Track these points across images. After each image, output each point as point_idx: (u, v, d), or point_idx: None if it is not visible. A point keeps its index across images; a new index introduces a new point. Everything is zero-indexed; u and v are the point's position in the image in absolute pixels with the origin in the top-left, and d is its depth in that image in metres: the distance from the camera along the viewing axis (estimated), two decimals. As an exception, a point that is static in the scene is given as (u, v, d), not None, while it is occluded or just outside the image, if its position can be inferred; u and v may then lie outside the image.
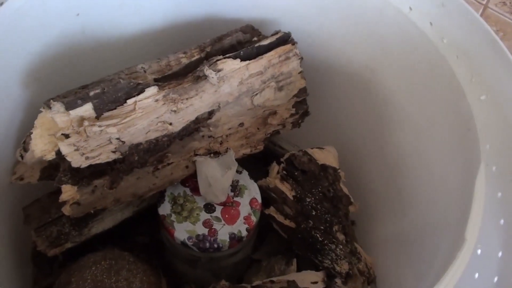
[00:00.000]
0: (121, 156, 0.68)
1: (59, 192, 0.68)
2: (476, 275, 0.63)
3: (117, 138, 0.66)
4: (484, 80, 0.69)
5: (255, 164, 0.84)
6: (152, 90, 0.67)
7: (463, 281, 0.58)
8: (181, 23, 0.85)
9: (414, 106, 0.77)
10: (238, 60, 0.72)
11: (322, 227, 0.77)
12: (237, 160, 0.77)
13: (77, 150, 0.65)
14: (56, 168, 0.71)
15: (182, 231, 0.73)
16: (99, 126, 0.65)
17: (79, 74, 0.73)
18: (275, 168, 0.81)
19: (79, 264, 0.74)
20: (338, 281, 0.75)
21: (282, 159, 0.81)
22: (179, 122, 0.70)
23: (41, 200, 0.77)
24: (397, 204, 0.82)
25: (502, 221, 0.62)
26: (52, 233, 0.75)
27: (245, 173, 0.80)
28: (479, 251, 0.65)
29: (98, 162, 0.67)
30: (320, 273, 0.74)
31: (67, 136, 0.65)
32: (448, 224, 0.66)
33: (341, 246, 0.77)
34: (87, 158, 0.66)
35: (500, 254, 0.61)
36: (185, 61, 0.74)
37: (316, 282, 0.72)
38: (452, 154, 0.69)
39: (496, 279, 0.58)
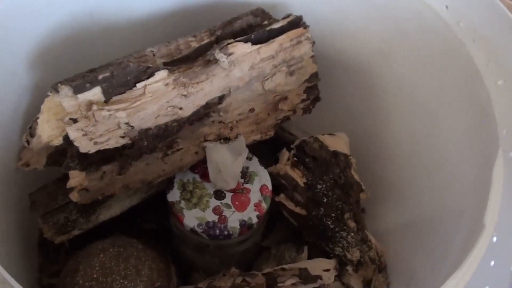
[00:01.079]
0: (130, 142, 0.66)
1: (66, 178, 0.67)
2: (492, 262, 0.62)
3: (126, 123, 0.65)
4: (501, 65, 0.68)
5: (265, 150, 0.82)
6: (162, 74, 0.66)
7: (479, 269, 0.57)
8: (191, 6, 0.83)
9: (428, 91, 0.76)
10: (249, 43, 0.71)
11: (334, 215, 0.76)
12: (247, 146, 0.75)
13: (85, 135, 0.64)
14: (63, 154, 0.70)
15: (191, 218, 0.72)
16: (108, 110, 0.64)
17: (87, 58, 0.72)
18: (285, 154, 0.80)
19: (87, 251, 0.72)
20: (349, 268, 0.75)
21: (292, 146, 0.80)
22: (189, 107, 0.69)
23: (48, 186, 0.76)
24: (409, 192, 0.81)
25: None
26: (59, 220, 0.74)
27: (255, 159, 0.79)
28: (494, 239, 0.63)
29: (106, 147, 0.65)
30: (332, 260, 0.73)
31: (75, 120, 0.64)
32: (464, 211, 0.65)
33: (352, 234, 0.76)
34: (95, 143, 0.65)
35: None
36: (195, 44, 0.72)
37: (328, 270, 0.71)
38: (468, 140, 0.68)
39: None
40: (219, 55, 0.69)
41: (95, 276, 0.70)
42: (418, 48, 0.76)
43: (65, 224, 0.73)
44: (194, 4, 0.83)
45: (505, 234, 0.59)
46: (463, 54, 0.70)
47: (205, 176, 0.75)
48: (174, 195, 0.74)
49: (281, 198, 0.78)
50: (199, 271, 0.80)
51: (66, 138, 0.65)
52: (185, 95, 0.67)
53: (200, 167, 0.75)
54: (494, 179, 0.59)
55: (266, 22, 0.77)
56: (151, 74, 0.66)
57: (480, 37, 0.70)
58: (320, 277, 0.69)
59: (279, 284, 0.68)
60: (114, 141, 0.66)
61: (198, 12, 0.83)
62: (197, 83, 0.68)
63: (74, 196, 0.67)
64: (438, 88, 0.74)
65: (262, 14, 0.79)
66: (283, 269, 0.70)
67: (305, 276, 0.69)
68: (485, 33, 0.70)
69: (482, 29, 0.70)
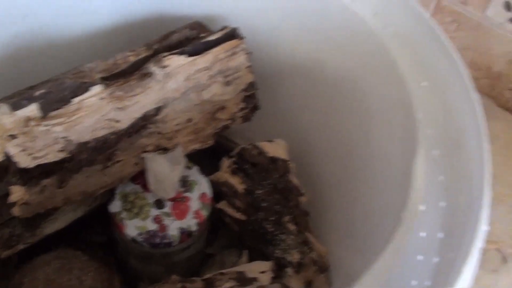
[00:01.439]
0: (69, 155, 0.68)
1: (9, 194, 0.68)
2: (419, 257, 0.65)
3: (64, 137, 0.67)
4: (426, 68, 0.71)
5: (208, 159, 0.85)
6: (97, 89, 0.68)
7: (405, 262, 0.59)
8: (129, 22, 0.85)
9: (360, 93, 0.79)
10: (184, 56, 0.73)
11: (273, 218, 0.78)
12: (187, 155, 0.77)
13: (24, 150, 0.65)
14: (6, 170, 0.71)
15: (132, 228, 0.74)
16: (45, 125, 0.66)
17: (27, 76, 0.73)
18: (225, 162, 0.82)
19: (31, 265, 0.74)
20: (290, 270, 0.77)
21: (232, 153, 0.82)
22: (126, 119, 0.71)
23: (-8, 202, 0.78)
24: (348, 192, 0.83)
25: (443, 204, 0.64)
26: (4, 235, 0.75)
27: (195, 168, 0.81)
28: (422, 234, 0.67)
29: (45, 161, 0.67)
30: (269, 262, 0.75)
31: (13, 136, 0.65)
32: (390, 208, 0.68)
33: (292, 236, 0.79)
34: (34, 158, 0.66)
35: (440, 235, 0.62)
36: (132, 59, 0.74)
37: (264, 272, 0.73)
38: (394, 139, 0.71)
39: (437, 259, 0.59)
40: (153, 68, 0.71)
41: (39, 288, 0.71)
42: (348, 54, 0.79)
43: (10, 239, 0.75)
44: (133, 19, 0.85)
45: (430, 229, 0.62)
46: (390, 58, 0.73)
47: (146, 187, 0.77)
48: (115, 206, 0.76)
49: (222, 204, 0.80)
50: (144, 281, 0.82)
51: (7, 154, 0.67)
52: (121, 108, 0.69)
53: (141, 178, 0.77)
54: (414, 176, 0.62)
55: (202, 35, 0.79)
56: (87, 89, 0.68)
57: (406, 43, 0.73)
58: (256, 279, 0.71)
59: (217, 288, 0.70)
60: (52, 156, 0.67)
61: (137, 27, 0.85)
62: (133, 96, 0.70)
63: (16, 211, 0.69)
64: (368, 90, 0.77)
65: (199, 27, 0.81)
66: (222, 274, 0.72)
67: (241, 278, 0.71)
68: (410, 39, 0.73)
69: (408, 35, 0.73)
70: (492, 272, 1.03)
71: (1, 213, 0.76)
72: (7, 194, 0.73)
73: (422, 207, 0.62)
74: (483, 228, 0.58)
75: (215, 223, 0.84)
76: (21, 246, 0.75)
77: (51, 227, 0.76)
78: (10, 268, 0.82)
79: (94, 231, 0.88)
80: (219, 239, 0.88)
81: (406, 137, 0.68)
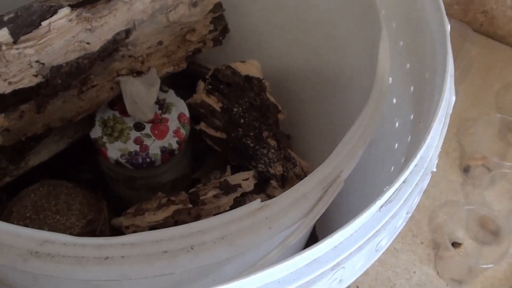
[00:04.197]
0: (43, 80, 0.70)
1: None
2: (396, 145, 0.67)
3: (37, 61, 0.68)
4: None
5: (185, 88, 0.86)
6: (65, 11, 0.69)
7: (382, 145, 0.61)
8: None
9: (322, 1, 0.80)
10: (149, -24, 0.74)
11: (252, 133, 0.80)
12: (161, 79, 0.79)
13: (-1, 76, 0.67)
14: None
15: (114, 150, 0.75)
16: (17, 49, 0.67)
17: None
18: (201, 85, 0.83)
19: (19, 195, 0.75)
20: (274, 183, 0.78)
21: (207, 76, 0.84)
22: (96, 42, 0.72)
23: (-25, 139, 0.79)
24: (322, 105, 0.85)
25: (412, 88, 0.66)
26: (-11, 169, 0.76)
27: (171, 91, 0.82)
28: (397, 124, 0.68)
29: (21, 87, 0.68)
30: (251, 171, 0.77)
31: (-14, 63, 0.67)
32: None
33: (273, 151, 0.80)
34: (9, 83, 0.68)
35: (411, 117, 0.64)
36: (97, -14, 0.76)
37: (247, 179, 0.74)
38: (359, 33, 0.72)
39: (412, 116, 0.61)
40: (118, -11, 0.72)
41: (27, 214, 0.73)
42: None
43: (-4, 173, 0.76)
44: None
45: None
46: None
47: (124, 112, 0.78)
48: (96, 132, 0.77)
49: (201, 126, 0.82)
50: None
51: (-18, 83, 0.68)
52: (89, 29, 0.71)
53: (119, 104, 0.79)
54: (380, 60, 0.63)
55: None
56: (55, 12, 0.69)
57: None
58: (239, 185, 0.73)
59: (202, 197, 0.72)
60: (27, 80, 0.69)
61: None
62: (100, 17, 0.71)
63: (-3, 139, 0.70)
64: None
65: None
66: (205, 185, 0.74)
67: (225, 186, 0.73)
68: None
69: None
70: (480, 187, 1.05)
71: (-16, 149, 0.77)
72: (-12, 131, 0.75)
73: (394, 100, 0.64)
74: (451, 98, 0.60)
75: (200, 150, 0.86)
76: (7, 179, 0.77)
77: (34, 159, 0.78)
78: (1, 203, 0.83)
79: (80, 169, 0.89)
80: (204, 166, 0.89)
81: (370, 32, 0.69)
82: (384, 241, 0.53)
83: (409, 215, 0.55)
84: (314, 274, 0.47)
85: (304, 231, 0.53)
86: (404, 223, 0.56)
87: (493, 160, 1.08)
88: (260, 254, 0.53)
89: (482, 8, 1.25)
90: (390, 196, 0.51)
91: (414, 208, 0.56)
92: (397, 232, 0.55)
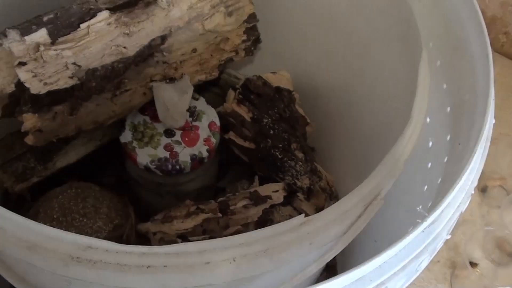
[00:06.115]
0: (78, 82, 0.69)
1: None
2: (429, 164, 0.67)
3: (73, 63, 0.68)
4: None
5: (214, 96, 0.86)
6: (104, 14, 0.69)
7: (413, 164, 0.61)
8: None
9: (358, 16, 0.80)
10: (186, -16, 0.74)
11: (281, 145, 0.80)
12: (193, 86, 0.79)
13: (35, 76, 0.67)
14: (17, 104, 0.73)
15: (144, 156, 0.75)
16: (55, 50, 0.67)
17: (34, 9, 0.74)
18: (231, 94, 0.83)
19: (46, 196, 0.75)
20: (300, 195, 0.78)
21: (237, 85, 0.84)
22: (133, 46, 0.72)
23: (4, 139, 0.79)
24: (351, 119, 0.85)
25: (448, 109, 0.65)
26: (18, 169, 0.76)
27: (202, 99, 0.82)
28: (430, 144, 0.68)
29: (56, 88, 0.68)
30: (280, 183, 0.76)
31: (24, 63, 0.66)
32: (397, 121, 0.69)
33: (300, 163, 0.80)
34: (45, 84, 0.67)
35: (448, 137, 0.64)
36: (135, -9, 0.76)
37: (277, 191, 0.74)
38: (397, 51, 0.72)
39: (448, 137, 0.61)
40: (157, -5, 0.72)
41: (55, 216, 0.72)
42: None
43: (24, 172, 0.76)
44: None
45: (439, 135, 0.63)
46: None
47: (155, 118, 0.78)
48: (126, 137, 0.77)
49: (230, 135, 0.82)
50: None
51: (18, 84, 0.68)
52: (127, 34, 0.71)
53: (150, 109, 0.79)
54: (420, 82, 0.63)
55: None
56: (94, 15, 0.69)
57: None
58: (269, 197, 0.73)
59: (231, 207, 0.72)
60: (63, 82, 0.69)
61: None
62: (138, 22, 0.71)
63: (29, 139, 0.70)
64: (366, 11, 0.78)
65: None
66: (235, 195, 0.74)
67: (255, 197, 0.73)
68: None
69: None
70: (497, 208, 1.05)
71: (14, 148, 0.77)
72: (19, 131, 0.75)
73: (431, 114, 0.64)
74: (492, 120, 0.59)
75: (225, 159, 0.86)
76: (34, 179, 0.77)
77: (62, 161, 0.78)
78: (24, 208, 0.83)
79: (104, 173, 0.89)
80: (230, 174, 0.89)
81: (409, 47, 0.69)
82: (425, 262, 0.52)
83: (449, 237, 0.55)
84: (358, 292, 0.47)
85: (342, 247, 0.53)
86: (442, 244, 0.55)
87: (511, 182, 1.08)
88: (297, 268, 0.52)
89: (504, 29, 1.25)
90: (434, 218, 0.51)
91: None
92: (436, 252, 0.55)
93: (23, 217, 0.47)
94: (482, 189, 1.12)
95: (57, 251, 0.47)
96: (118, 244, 0.48)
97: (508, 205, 1.07)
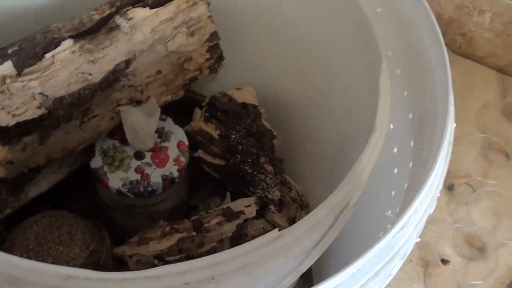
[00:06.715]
0: (46, 111, 0.70)
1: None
2: (395, 170, 0.68)
3: (40, 93, 0.69)
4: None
5: (180, 115, 0.87)
6: (68, 43, 0.70)
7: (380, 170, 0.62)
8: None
9: (318, 30, 0.81)
10: (147, 8, 0.75)
11: (250, 160, 0.81)
12: (160, 107, 0.80)
13: (3, 108, 0.67)
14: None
15: (116, 180, 0.76)
16: (21, 81, 0.67)
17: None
18: (198, 112, 0.84)
19: (21, 227, 0.75)
20: (272, 207, 0.79)
21: (203, 104, 0.85)
22: (98, 72, 0.73)
23: (-25, 172, 0.79)
24: (316, 130, 0.86)
25: (410, 115, 0.67)
26: (-10, 201, 0.76)
27: (169, 120, 0.83)
28: (395, 150, 0.70)
29: (25, 118, 0.69)
30: (252, 198, 0.78)
31: (-10, 96, 0.67)
32: (362, 130, 0.71)
33: (270, 176, 0.81)
34: (13, 115, 0.68)
35: (412, 143, 0.66)
36: (97, 17, 0.76)
37: (249, 205, 0.75)
38: (357, 63, 0.74)
39: (412, 143, 0.63)
40: (119, 20, 0.73)
41: (31, 246, 0.73)
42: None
43: (-4, 204, 0.76)
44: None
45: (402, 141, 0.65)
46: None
47: (124, 141, 0.79)
48: (96, 162, 0.78)
49: (199, 153, 0.83)
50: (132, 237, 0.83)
51: (-15, 117, 0.69)
52: (92, 61, 0.71)
53: (118, 133, 0.79)
54: (381, 91, 0.65)
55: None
56: (58, 44, 0.70)
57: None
58: (242, 212, 0.74)
59: (205, 225, 0.73)
60: (31, 112, 0.69)
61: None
62: (102, 48, 0.72)
63: (0, 172, 0.70)
64: (326, 25, 0.80)
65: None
66: (208, 213, 0.75)
67: (228, 213, 0.74)
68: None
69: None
70: (465, 205, 1.08)
71: (-15, 181, 0.77)
72: (-12, 163, 0.75)
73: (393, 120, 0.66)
74: (452, 125, 0.61)
75: (196, 176, 0.87)
76: (8, 211, 0.77)
77: (34, 190, 0.78)
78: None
79: (75, 198, 0.89)
80: (201, 192, 0.90)
81: (369, 62, 0.71)
82: (397, 266, 0.54)
83: (418, 240, 0.56)
84: (334, 301, 0.49)
85: (317, 257, 0.55)
86: (412, 247, 0.57)
87: (476, 178, 1.11)
88: (274, 282, 0.54)
89: (461, 30, 1.28)
90: (403, 224, 0.52)
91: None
92: (406, 256, 0.56)
93: (3, 252, 0.48)
94: (449, 187, 1.15)
95: (39, 284, 0.48)
96: (98, 271, 0.48)
97: (475, 202, 1.09)
